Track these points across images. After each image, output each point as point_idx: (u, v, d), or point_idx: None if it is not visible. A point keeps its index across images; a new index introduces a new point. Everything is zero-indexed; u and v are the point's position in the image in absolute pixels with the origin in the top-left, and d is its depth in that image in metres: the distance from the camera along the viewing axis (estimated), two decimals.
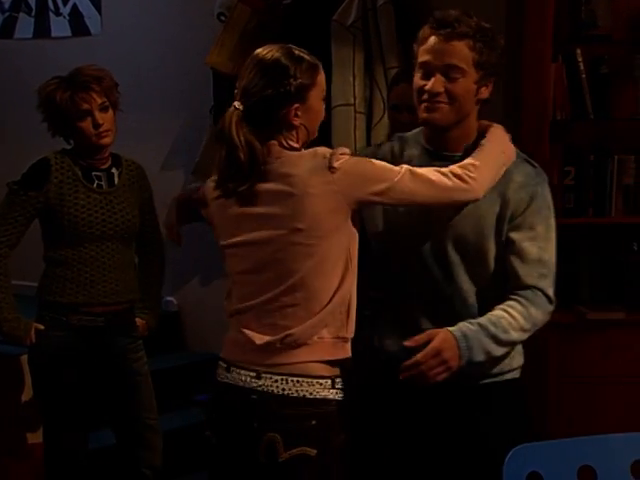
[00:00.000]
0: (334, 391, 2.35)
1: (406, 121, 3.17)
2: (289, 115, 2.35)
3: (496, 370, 2.44)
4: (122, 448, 3.41)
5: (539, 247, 2.39)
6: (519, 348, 2.48)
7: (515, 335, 2.34)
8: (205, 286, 5.03)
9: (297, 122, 2.37)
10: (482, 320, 2.33)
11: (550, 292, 2.40)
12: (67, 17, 5.29)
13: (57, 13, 5.32)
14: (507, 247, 2.39)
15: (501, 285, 2.41)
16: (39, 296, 3.26)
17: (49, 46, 5.36)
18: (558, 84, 3.77)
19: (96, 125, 3.15)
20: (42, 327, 3.20)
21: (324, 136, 3.86)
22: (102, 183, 3.25)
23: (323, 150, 2.33)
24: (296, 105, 2.35)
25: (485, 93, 2.39)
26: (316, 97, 2.40)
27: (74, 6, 5.26)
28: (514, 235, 2.39)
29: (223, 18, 4.48)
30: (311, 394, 2.31)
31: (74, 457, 3.32)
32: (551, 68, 3.74)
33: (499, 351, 2.35)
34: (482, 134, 2.44)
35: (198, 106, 4.80)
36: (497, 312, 2.34)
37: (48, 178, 3.16)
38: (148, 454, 3.40)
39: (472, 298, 2.42)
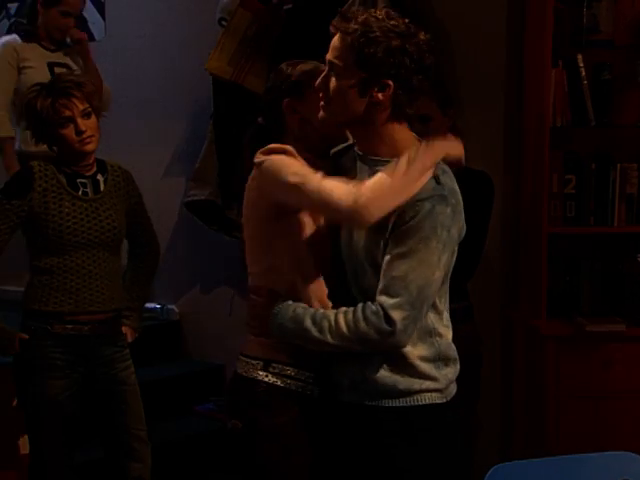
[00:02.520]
0: (265, 373, 2.46)
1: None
2: (284, 109, 2.46)
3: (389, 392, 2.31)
4: (110, 460, 3.36)
5: (408, 266, 2.19)
6: (426, 370, 2.30)
7: (331, 340, 2.23)
8: (206, 295, 4.99)
9: (295, 116, 2.47)
10: (308, 311, 2.28)
11: (394, 314, 2.18)
12: None
13: None
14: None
15: None
16: (24, 305, 3.22)
17: None
18: (558, 90, 3.69)
19: (79, 132, 3.11)
20: (26, 337, 3.16)
21: None
22: (87, 190, 3.21)
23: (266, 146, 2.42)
24: (289, 99, 2.46)
25: (380, 97, 2.21)
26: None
27: None
28: (389, 248, 2.22)
29: (224, 23, 4.44)
30: (245, 372, 2.49)
31: (59, 469, 3.26)
32: (551, 74, 3.66)
33: (307, 343, 2.28)
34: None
35: (199, 112, 4.76)
36: (329, 312, 2.27)
37: (32, 186, 3.12)
38: (137, 466, 3.33)
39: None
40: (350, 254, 2.33)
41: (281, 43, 4.26)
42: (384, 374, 2.30)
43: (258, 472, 2.52)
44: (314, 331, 2.25)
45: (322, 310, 2.29)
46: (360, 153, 2.36)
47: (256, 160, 2.42)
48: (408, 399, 2.30)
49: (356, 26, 2.20)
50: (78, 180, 3.20)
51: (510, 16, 3.96)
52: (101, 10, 5.21)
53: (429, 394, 2.31)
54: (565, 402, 3.64)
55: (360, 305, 2.23)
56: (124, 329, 3.35)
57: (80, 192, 3.19)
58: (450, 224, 2.21)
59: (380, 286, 2.22)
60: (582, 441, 3.55)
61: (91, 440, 3.43)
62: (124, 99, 4.98)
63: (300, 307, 2.30)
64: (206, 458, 4.30)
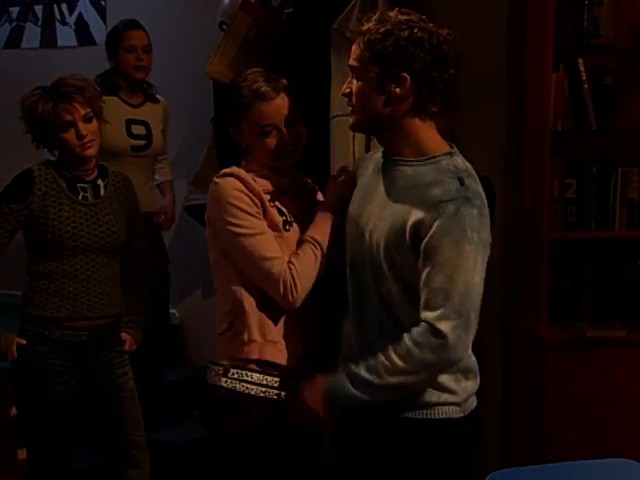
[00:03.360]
0: (225, 379, 2.51)
1: None
2: (232, 135, 2.60)
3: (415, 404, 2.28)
4: (108, 467, 3.34)
5: (445, 275, 2.13)
6: (445, 383, 2.27)
7: (393, 379, 2.18)
8: (207, 299, 4.96)
9: (242, 144, 2.59)
10: (360, 367, 2.23)
11: (441, 326, 2.14)
12: (73, 26, 5.29)
13: (63, 22, 5.32)
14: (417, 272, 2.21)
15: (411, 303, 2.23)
16: (22, 310, 3.20)
17: (55, 56, 5.35)
18: (559, 94, 3.68)
19: (80, 136, 3.09)
20: (24, 342, 3.14)
21: (323, 147, 3.88)
22: (87, 195, 3.19)
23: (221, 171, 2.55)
24: (232, 130, 2.59)
25: (397, 91, 2.21)
26: (249, 129, 2.54)
27: (80, 15, 5.25)
28: (420, 260, 2.17)
29: (225, 27, 4.43)
30: (209, 379, 2.56)
31: (57, 475, 3.24)
32: (552, 78, 3.65)
33: (378, 395, 2.22)
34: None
35: (199, 117, 4.75)
36: (379, 355, 2.20)
37: (31, 190, 3.10)
38: (135, 473, 3.31)
39: (395, 313, 2.27)
40: (369, 257, 2.28)
41: (282, 47, 4.26)
42: None
43: (224, 478, 2.58)
44: (374, 379, 2.20)
45: (373, 357, 2.22)
46: (384, 158, 2.35)
47: (213, 179, 2.52)
48: (426, 411, 2.27)
49: (369, 24, 2.22)
50: (78, 185, 3.18)
51: (511, 20, 3.95)
52: (102, 14, 5.21)
53: (446, 407, 2.29)
54: (566, 407, 3.63)
55: (405, 335, 2.19)
56: (124, 336, 3.33)
57: (80, 197, 3.17)
58: (478, 226, 2.16)
59: (422, 301, 2.17)
60: (583, 446, 3.55)
61: (89, 446, 3.41)
62: None
63: (348, 367, 2.25)
64: (205, 463, 4.28)
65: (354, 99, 2.28)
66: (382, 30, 2.19)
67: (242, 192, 2.46)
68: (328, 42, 4.08)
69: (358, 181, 2.45)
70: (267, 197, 2.52)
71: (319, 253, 2.47)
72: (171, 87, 4.98)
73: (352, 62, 2.27)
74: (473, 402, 2.36)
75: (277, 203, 2.55)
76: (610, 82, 3.73)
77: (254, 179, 2.51)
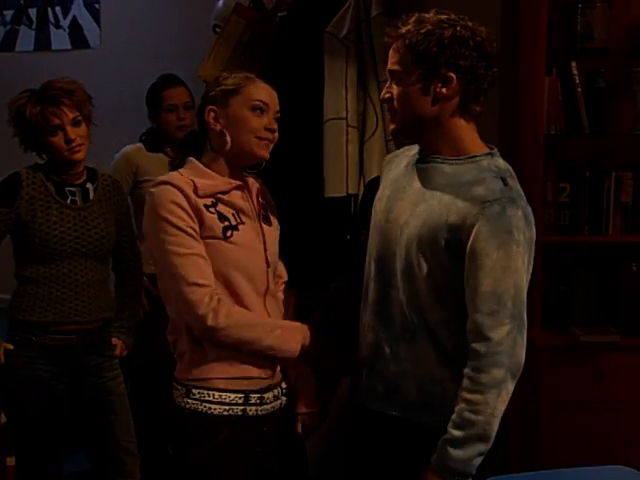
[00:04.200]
0: (187, 399, 2.45)
1: None
2: (206, 116, 2.49)
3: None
4: (97, 473, 3.31)
5: (494, 277, 2.11)
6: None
7: (484, 417, 2.12)
8: None
9: (217, 127, 2.48)
10: (450, 425, 2.17)
11: (494, 334, 2.11)
12: (67, 30, 5.25)
13: (57, 26, 5.28)
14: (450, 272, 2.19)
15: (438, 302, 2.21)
16: (9, 315, 3.18)
17: (49, 59, 5.31)
18: (553, 98, 3.66)
19: (68, 140, 3.07)
20: (11, 347, 3.12)
21: (316, 150, 3.86)
22: (76, 199, 3.17)
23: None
24: (211, 107, 2.49)
25: (444, 91, 2.19)
26: (239, 105, 2.47)
27: (74, 18, 5.22)
28: (466, 262, 2.15)
29: (218, 30, 4.42)
30: (174, 399, 2.50)
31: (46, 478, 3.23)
32: (545, 81, 3.63)
33: (489, 435, 2.15)
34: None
35: (193, 119, 4.72)
36: (456, 408, 2.16)
37: (19, 194, 3.09)
38: None
39: (420, 313, 2.24)
40: (399, 253, 2.25)
41: (275, 50, 4.24)
42: (422, 387, 2.25)
43: None
44: (473, 430, 2.13)
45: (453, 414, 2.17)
46: (420, 155, 2.32)
47: (150, 189, 2.44)
48: (438, 418, 2.22)
49: (408, 26, 2.20)
50: (67, 188, 3.16)
51: (504, 24, 3.92)
52: (96, 17, 5.18)
53: None
54: (559, 412, 3.60)
55: (465, 369, 2.15)
56: (115, 341, 3.31)
57: (68, 200, 3.15)
58: (524, 227, 2.13)
59: (473, 304, 2.14)
60: (577, 452, 3.53)
61: (80, 452, 3.39)
62: (119, 106, 4.96)
63: (444, 438, 2.17)
64: None
65: (396, 104, 2.25)
66: (423, 31, 2.17)
67: (176, 204, 2.38)
68: (321, 46, 4.07)
69: (387, 175, 2.43)
70: (208, 201, 2.44)
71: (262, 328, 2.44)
72: None
73: (392, 66, 2.24)
74: None
75: (220, 207, 2.46)
76: (603, 85, 3.70)
77: (194, 183, 2.42)
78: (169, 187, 2.39)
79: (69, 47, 5.29)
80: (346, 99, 3.98)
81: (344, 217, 3.90)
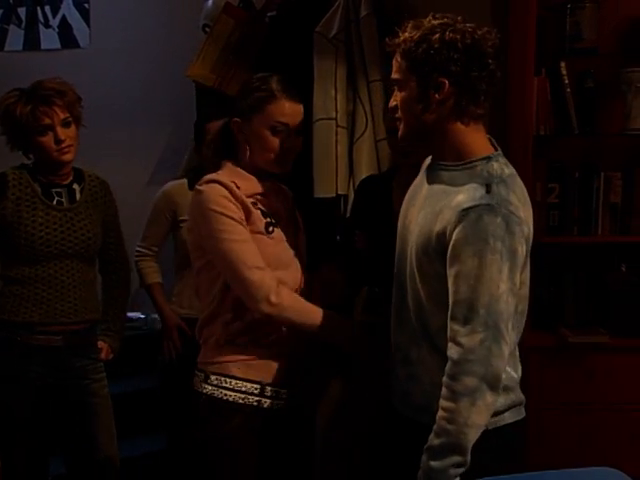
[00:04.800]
0: (205, 385, 2.53)
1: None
2: (231, 125, 2.56)
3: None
4: (74, 477, 3.27)
5: (468, 285, 2.07)
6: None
7: (457, 426, 2.09)
8: None
9: (240, 137, 2.55)
10: (430, 442, 2.15)
11: (467, 341, 2.07)
12: (56, 29, 5.23)
13: (47, 25, 5.26)
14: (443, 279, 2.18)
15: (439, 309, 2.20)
16: None
17: (39, 58, 5.30)
18: (542, 98, 3.66)
19: (58, 141, 3.04)
20: None
21: (305, 150, 3.84)
22: (62, 200, 3.15)
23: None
24: (236, 118, 2.54)
25: (437, 97, 2.17)
26: (260, 123, 2.50)
27: (63, 18, 5.20)
28: (447, 268, 2.13)
29: (207, 30, 4.40)
30: (193, 385, 2.58)
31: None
32: (534, 82, 3.62)
33: (465, 443, 2.10)
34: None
35: (183, 120, 4.71)
36: (437, 417, 2.14)
37: (5, 194, 3.06)
38: None
39: (422, 318, 2.24)
40: (408, 259, 2.27)
41: (265, 50, 4.23)
42: (425, 390, 2.25)
43: None
44: (448, 438, 2.10)
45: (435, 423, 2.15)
46: (430, 162, 2.33)
47: (196, 187, 2.50)
48: None
49: (405, 34, 2.19)
50: (53, 189, 3.14)
51: (494, 24, 3.89)
52: (86, 17, 5.16)
53: None
54: (548, 413, 3.60)
55: (442, 388, 2.13)
56: (100, 344, 3.28)
57: (55, 201, 3.13)
58: (503, 235, 2.07)
59: (450, 311, 2.13)
60: (566, 453, 3.53)
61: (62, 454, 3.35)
62: (108, 106, 4.95)
63: (425, 446, 2.15)
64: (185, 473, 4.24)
65: (399, 112, 2.26)
66: (416, 37, 2.17)
67: (226, 198, 2.45)
68: (311, 45, 4.06)
69: (415, 180, 2.44)
70: (250, 200, 2.50)
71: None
72: (155, 90, 4.98)
73: (394, 75, 2.25)
74: (503, 419, 2.26)
75: (260, 206, 2.54)
76: (592, 86, 3.70)
77: (236, 184, 2.49)
78: (217, 184, 2.46)
79: (58, 47, 5.27)
80: (335, 99, 3.97)
81: (334, 218, 3.90)
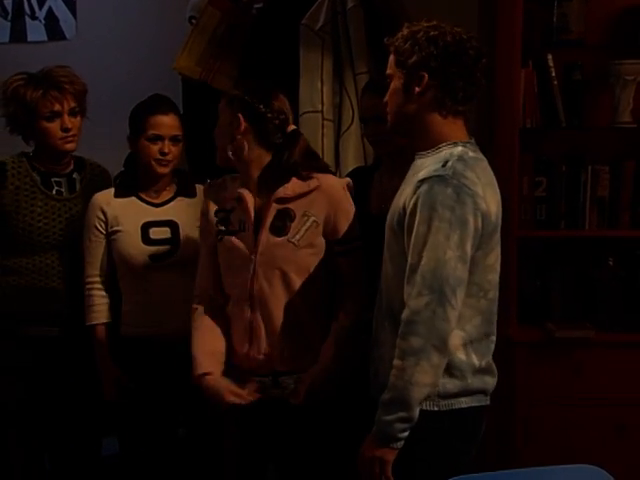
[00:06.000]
0: None
1: (371, 133, 3.09)
2: None
3: None
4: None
5: (418, 251, 2.23)
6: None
7: (403, 381, 2.24)
8: None
9: None
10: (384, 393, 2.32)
11: (414, 303, 2.22)
12: (43, 21, 5.20)
13: (33, 17, 5.22)
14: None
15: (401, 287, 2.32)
16: None
17: (25, 50, 5.26)
18: (528, 91, 3.62)
19: (65, 129, 3.02)
20: None
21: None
22: (62, 189, 3.12)
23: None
24: None
25: (417, 90, 2.37)
26: None
27: (49, 10, 5.16)
28: (406, 240, 2.31)
29: (194, 21, 4.37)
30: None
31: (27, 475, 3.18)
32: (521, 74, 3.58)
33: (412, 400, 2.25)
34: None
35: None
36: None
37: (4, 184, 3.04)
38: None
39: (389, 296, 2.40)
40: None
41: (251, 42, 4.19)
42: (388, 369, 2.31)
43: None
44: (393, 395, 2.27)
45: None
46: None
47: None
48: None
49: (399, 33, 2.41)
50: (52, 179, 3.11)
51: (481, 16, 3.88)
52: (72, 9, 5.13)
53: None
54: (535, 408, 3.57)
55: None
56: None
57: (54, 191, 3.10)
58: (453, 204, 2.21)
59: (405, 276, 2.28)
60: (553, 448, 3.52)
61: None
62: (95, 98, 4.90)
63: (379, 406, 2.31)
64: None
65: (388, 104, 2.46)
66: (405, 35, 2.39)
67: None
68: (298, 38, 4.03)
69: None
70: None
71: None
72: (141, 82, 4.92)
73: (387, 72, 2.46)
74: (459, 403, 2.37)
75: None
76: (580, 78, 3.66)
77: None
78: None
79: (45, 39, 5.24)
80: (322, 92, 3.95)
81: None
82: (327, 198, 2.68)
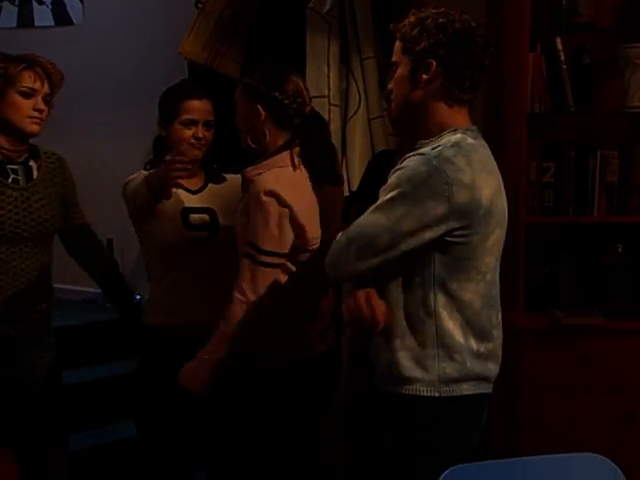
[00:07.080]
0: None
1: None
2: None
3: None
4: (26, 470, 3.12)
5: (366, 213, 2.27)
6: (421, 360, 2.30)
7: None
8: None
9: None
10: None
11: (333, 245, 2.32)
12: (50, 6, 5.20)
13: (40, 2, 5.23)
14: None
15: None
16: None
17: (32, 35, 5.25)
18: (537, 75, 3.57)
19: (38, 110, 2.88)
20: None
21: None
22: (18, 177, 2.95)
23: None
24: None
25: (424, 77, 2.31)
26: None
27: None
28: None
29: (200, 5, 4.34)
30: None
31: None
32: (529, 58, 3.54)
33: None
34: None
35: None
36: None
37: None
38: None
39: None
40: None
41: (257, 27, 4.16)
42: (385, 356, 2.33)
43: None
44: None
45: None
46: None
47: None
48: (397, 386, 2.31)
49: (406, 20, 2.35)
50: (8, 166, 2.94)
51: (490, 1, 3.84)
52: None
53: (416, 385, 2.30)
54: (541, 396, 3.54)
55: None
56: None
57: (10, 180, 2.93)
58: (419, 183, 2.16)
59: None
60: (558, 435, 3.48)
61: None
62: (101, 84, 4.90)
63: None
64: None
65: (393, 92, 2.39)
66: (412, 21, 2.33)
67: None
68: (304, 22, 3.99)
69: None
70: None
71: None
72: (148, 67, 4.92)
73: (393, 59, 2.39)
74: (461, 390, 2.32)
75: None
76: (589, 62, 3.61)
77: None
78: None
79: (52, 24, 5.24)
80: (328, 76, 3.91)
81: None
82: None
